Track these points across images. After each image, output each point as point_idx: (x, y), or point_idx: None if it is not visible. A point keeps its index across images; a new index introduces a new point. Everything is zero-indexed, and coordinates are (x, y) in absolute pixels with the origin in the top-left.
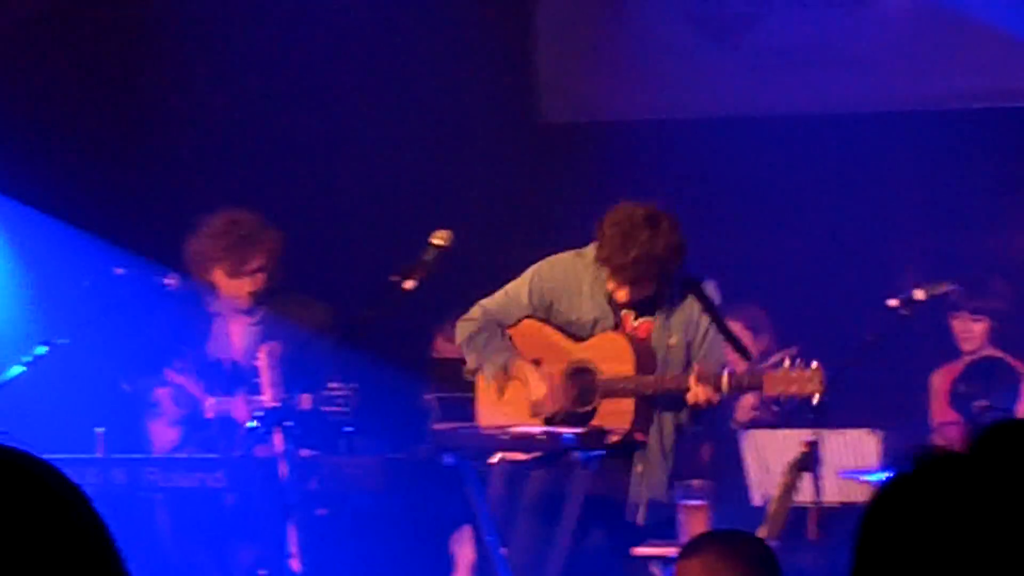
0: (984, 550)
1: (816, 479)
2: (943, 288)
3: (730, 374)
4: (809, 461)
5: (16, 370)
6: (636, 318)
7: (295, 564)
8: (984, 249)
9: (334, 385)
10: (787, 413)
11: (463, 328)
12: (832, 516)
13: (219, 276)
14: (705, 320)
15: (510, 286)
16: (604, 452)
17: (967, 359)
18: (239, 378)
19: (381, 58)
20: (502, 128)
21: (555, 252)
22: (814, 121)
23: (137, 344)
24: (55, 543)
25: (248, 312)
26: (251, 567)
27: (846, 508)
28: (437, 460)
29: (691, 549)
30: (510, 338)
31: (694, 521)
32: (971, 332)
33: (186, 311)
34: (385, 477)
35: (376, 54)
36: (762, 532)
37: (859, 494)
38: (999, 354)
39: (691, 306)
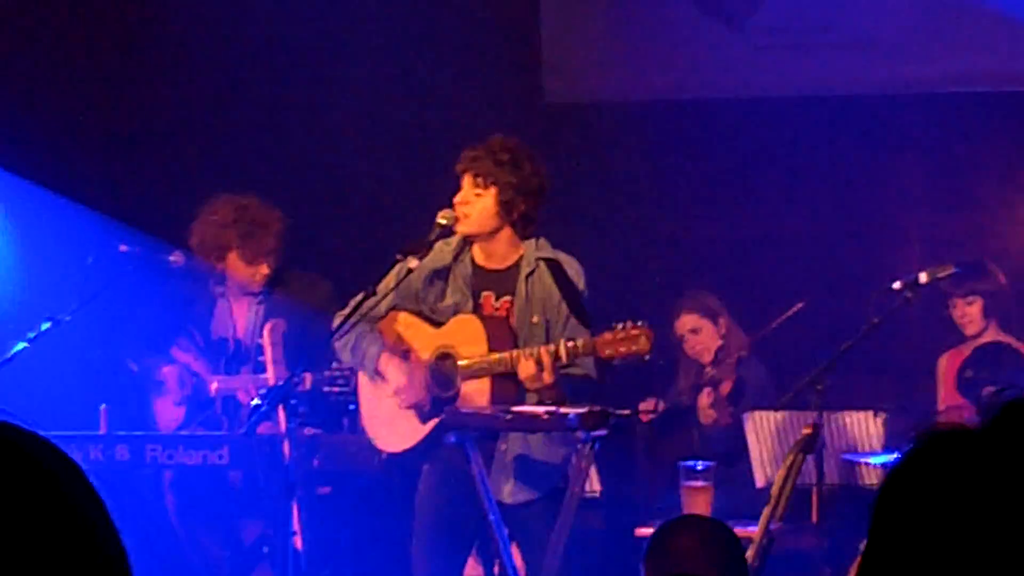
0: (1001, 526)
1: (819, 461)
2: (946, 271)
3: (566, 342)
4: (812, 443)
5: (20, 346)
6: (497, 298)
7: (298, 542)
8: (989, 231)
9: (335, 365)
10: (741, 407)
11: (336, 322)
12: (834, 498)
13: (233, 261)
14: (566, 300)
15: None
16: (606, 432)
17: (973, 343)
18: (243, 356)
19: (385, 38)
20: (505, 108)
21: (556, 232)
22: (818, 102)
23: (142, 322)
24: (46, 518)
25: (255, 292)
26: (255, 545)
27: (848, 490)
28: (440, 439)
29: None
30: (379, 332)
31: (696, 502)
32: (968, 315)
33: (190, 289)
34: (387, 455)
35: (380, 35)
36: (765, 513)
37: (861, 476)
38: (1007, 339)
39: (551, 285)
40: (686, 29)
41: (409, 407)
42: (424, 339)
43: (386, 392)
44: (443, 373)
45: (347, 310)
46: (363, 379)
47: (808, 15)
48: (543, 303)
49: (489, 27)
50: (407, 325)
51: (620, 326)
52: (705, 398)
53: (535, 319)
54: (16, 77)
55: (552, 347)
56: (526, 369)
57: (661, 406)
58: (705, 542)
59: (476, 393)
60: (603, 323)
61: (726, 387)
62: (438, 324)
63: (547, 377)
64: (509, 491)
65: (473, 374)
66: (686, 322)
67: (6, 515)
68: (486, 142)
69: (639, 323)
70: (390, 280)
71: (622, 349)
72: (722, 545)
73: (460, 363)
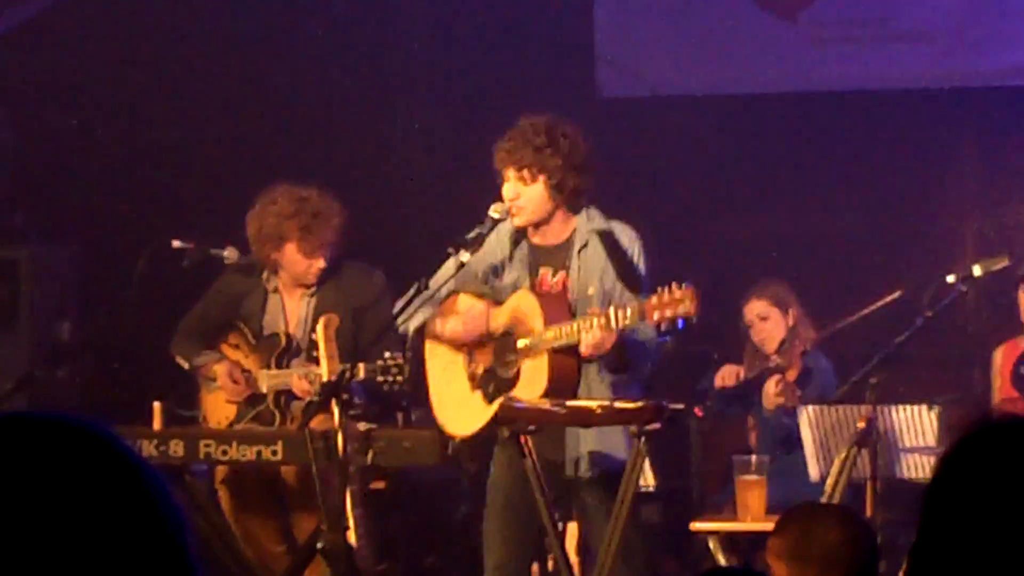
0: None
1: (873, 455)
2: (1001, 263)
3: (616, 307)
4: (866, 437)
5: None
6: (554, 274)
7: (352, 536)
8: None
9: (387, 355)
10: (807, 395)
11: (397, 306)
12: (889, 492)
13: (291, 253)
14: (615, 269)
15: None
16: (661, 425)
17: None
18: (295, 351)
19: (439, 33)
20: (558, 102)
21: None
22: (874, 96)
23: (193, 317)
24: (134, 512)
25: (308, 284)
26: (309, 540)
27: (903, 484)
28: (493, 432)
29: (778, 527)
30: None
31: (750, 495)
32: None
33: (242, 284)
34: (441, 450)
35: (434, 29)
36: None
37: (916, 470)
38: None
39: (604, 256)
40: (741, 22)
41: (472, 341)
42: (486, 319)
43: (451, 366)
44: (504, 352)
45: (403, 301)
46: (432, 365)
47: (864, 8)
48: (599, 274)
49: (543, 21)
50: (468, 305)
51: (665, 289)
52: (772, 385)
53: (591, 291)
54: (62, 67)
55: (601, 313)
56: (582, 338)
57: (699, 411)
58: (856, 541)
59: (536, 370)
60: None
61: (793, 374)
62: (498, 304)
63: (597, 344)
64: (584, 467)
65: (532, 351)
66: (755, 307)
67: (97, 509)
68: (517, 129)
69: (683, 285)
70: (443, 274)
71: (668, 312)
72: (869, 549)
73: (519, 344)
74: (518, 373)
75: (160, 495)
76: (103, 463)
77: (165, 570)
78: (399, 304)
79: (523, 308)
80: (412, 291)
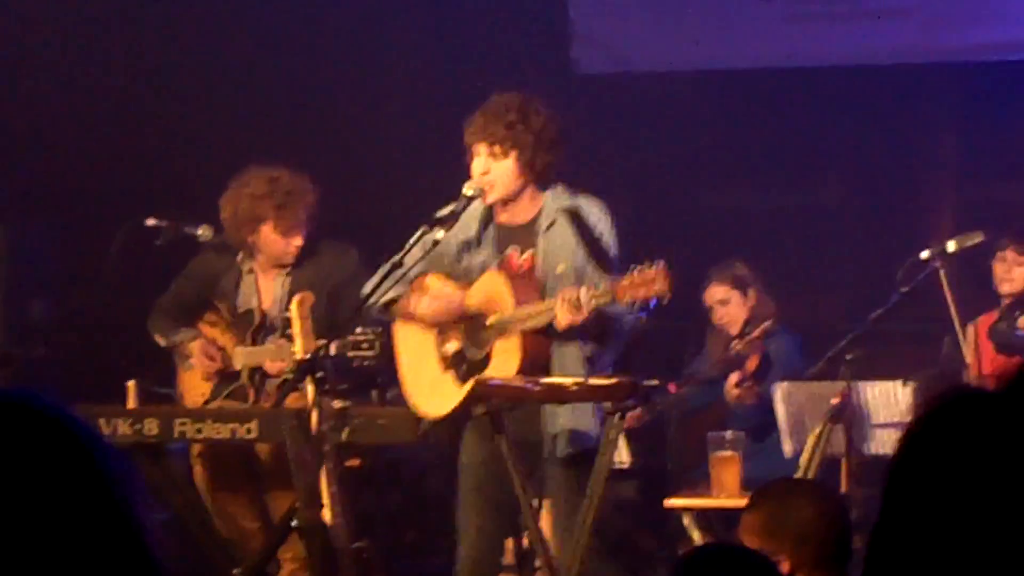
0: (1015, 489)
1: (848, 430)
2: (975, 239)
3: (588, 287)
4: (841, 412)
5: None
6: (522, 253)
7: (327, 514)
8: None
9: (359, 330)
10: (771, 380)
11: (366, 290)
12: (864, 467)
13: (267, 234)
14: (584, 246)
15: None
16: (636, 404)
17: (1005, 303)
18: (269, 328)
19: (416, 11)
20: (534, 79)
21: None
22: (849, 72)
23: (170, 296)
24: (82, 491)
25: (286, 264)
26: (284, 518)
27: (878, 460)
28: (467, 410)
29: (751, 503)
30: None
31: (725, 471)
32: (1012, 274)
33: (217, 262)
34: (417, 428)
35: (410, 7)
36: None
37: (891, 446)
38: None
39: (571, 234)
40: None
41: (444, 322)
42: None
43: (422, 347)
44: (475, 333)
45: (376, 278)
46: (403, 347)
47: None
48: (568, 252)
49: None
50: (439, 286)
51: (636, 269)
52: (732, 384)
53: (559, 269)
54: (38, 43)
55: (574, 293)
56: (563, 313)
57: (673, 387)
58: (829, 517)
59: (508, 351)
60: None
61: (752, 363)
62: (468, 284)
63: (568, 319)
64: (562, 447)
65: (502, 330)
66: (715, 293)
67: (43, 489)
68: (489, 105)
69: (654, 264)
70: (416, 252)
71: (641, 292)
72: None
73: (488, 322)
74: (489, 354)
75: (110, 471)
76: (48, 438)
77: (112, 545)
78: (370, 284)
79: (494, 290)
80: (382, 271)
